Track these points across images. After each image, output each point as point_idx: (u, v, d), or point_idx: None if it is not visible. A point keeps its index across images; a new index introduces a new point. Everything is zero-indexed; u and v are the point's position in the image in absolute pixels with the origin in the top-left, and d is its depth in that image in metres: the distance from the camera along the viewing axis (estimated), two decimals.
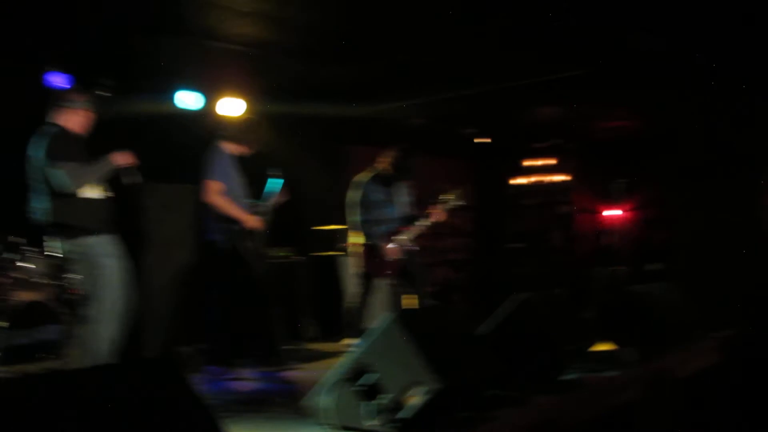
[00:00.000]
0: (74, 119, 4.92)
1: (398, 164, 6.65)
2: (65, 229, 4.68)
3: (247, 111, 7.80)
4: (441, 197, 6.82)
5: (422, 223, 6.69)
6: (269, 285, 6.16)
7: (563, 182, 12.65)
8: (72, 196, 4.65)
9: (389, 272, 6.59)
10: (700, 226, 6.96)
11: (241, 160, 6.14)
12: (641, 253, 10.50)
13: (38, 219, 4.76)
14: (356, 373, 3.57)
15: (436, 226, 6.92)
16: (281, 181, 6.20)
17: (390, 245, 6.53)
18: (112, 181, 5.13)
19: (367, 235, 6.57)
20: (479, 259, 12.86)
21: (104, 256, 4.72)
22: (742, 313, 6.47)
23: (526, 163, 12.61)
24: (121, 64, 6.76)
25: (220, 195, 5.82)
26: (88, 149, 5.06)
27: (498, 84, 8.53)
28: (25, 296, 5.10)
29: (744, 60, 6.94)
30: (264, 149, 6.32)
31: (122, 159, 4.79)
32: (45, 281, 5.22)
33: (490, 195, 13.12)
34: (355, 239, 6.70)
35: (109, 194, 4.96)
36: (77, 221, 4.66)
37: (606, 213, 11.62)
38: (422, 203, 7.14)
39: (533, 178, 12.73)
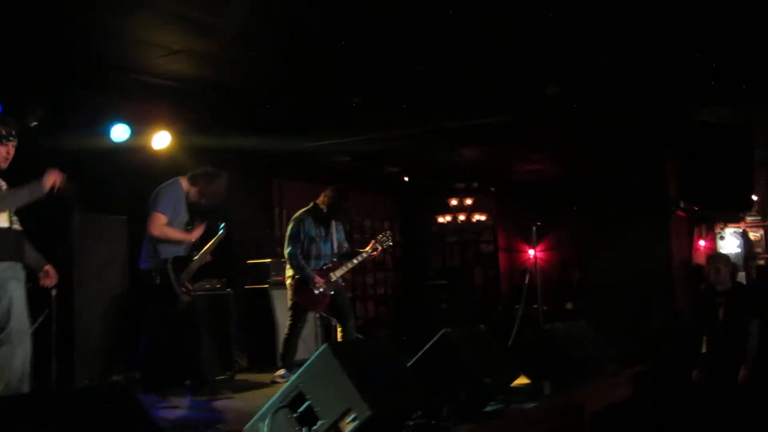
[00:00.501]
0: None
1: (334, 203, 6.80)
2: None
3: (175, 144, 7.79)
4: (378, 237, 7.11)
5: (355, 260, 6.91)
6: (201, 316, 6.17)
7: (485, 221, 13.03)
8: None
9: (319, 305, 6.69)
10: (612, 266, 7.24)
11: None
12: (559, 292, 10.89)
13: None
14: (292, 400, 3.62)
15: (363, 262, 7.18)
16: (223, 225, 6.21)
17: (320, 279, 6.64)
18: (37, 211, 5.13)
19: (299, 269, 6.66)
20: (403, 294, 13.09)
21: (10, 280, 4.67)
22: (652, 348, 6.79)
23: (450, 202, 12.92)
24: (52, 96, 6.72)
25: (164, 227, 5.78)
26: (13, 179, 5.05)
27: (424, 126, 8.78)
28: None
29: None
30: (218, 205, 6.25)
31: (53, 179, 4.70)
32: None
33: (414, 232, 13.39)
34: (290, 272, 6.80)
35: (16, 227, 4.93)
36: None
37: (527, 252, 11.98)
38: (351, 239, 7.38)
39: (457, 217, 13.05)
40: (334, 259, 6.86)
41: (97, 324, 7.10)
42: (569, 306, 10.21)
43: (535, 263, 8.17)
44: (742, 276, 8.84)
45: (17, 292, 4.70)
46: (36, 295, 5.17)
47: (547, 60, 6.70)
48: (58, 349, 6.28)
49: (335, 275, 6.76)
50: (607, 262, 7.32)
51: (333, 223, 6.93)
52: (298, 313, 6.79)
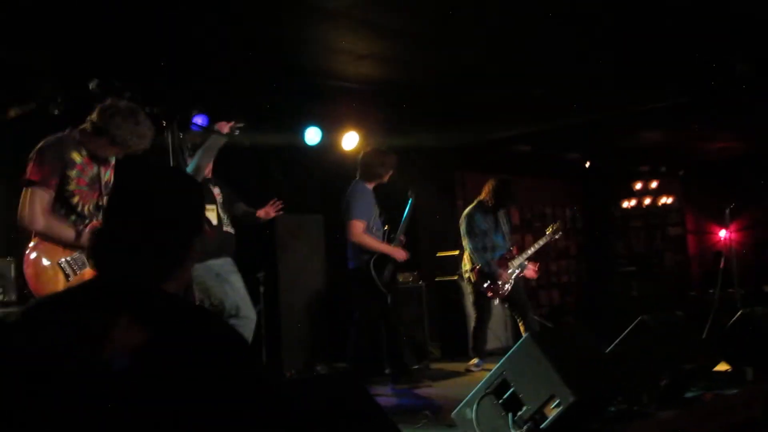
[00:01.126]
0: None
1: (498, 193, 6.95)
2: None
3: (363, 144, 8.06)
4: (547, 230, 7.30)
5: (528, 252, 7.07)
6: (399, 309, 6.52)
7: (671, 204, 12.65)
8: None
9: (501, 295, 6.87)
10: None
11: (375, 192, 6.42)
12: (756, 274, 10.42)
13: None
14: (497, 387, 3.80)
15: (543, 249, 7.31)
16: (411, 201, 6.58)
17: (501, 270, 6.83)
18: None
19: (486, 264, 6.82)
20: (588, 282, 12.96)
21: (232, 273, 5.16)
22: None
23: (634, 186, 12.66)
24: (251, 104, 7.11)
25: (365, 232, 6.10)
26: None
27: (604, 112, 8.75)
28: None
29: None
30: (395, 177, 6.56)
31: (225, 125, 4.88)
32: None
33: (598, 217, 13.20)
34: (467, 266, 7.01)
35: (228, 229, 5.43)
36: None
37: (717, 234, 11.55)
38: (528, 227, 7.55)
39: (642, 201, 12.76)
40: (510, 248, 7.02)
41: (300, 318, 7.50)
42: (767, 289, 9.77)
43: (729, 245, 7.85)
44: None
45: (241, 283, 5.24)
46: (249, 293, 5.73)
47: (736, 36, 6.51)
48: (267, 341, 6.78)
49: (513, 265, 6.92)
50: None
51: (500, 214, 7.09)
52: (482, 304, 6.97)
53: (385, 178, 6.43)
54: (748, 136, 10.19)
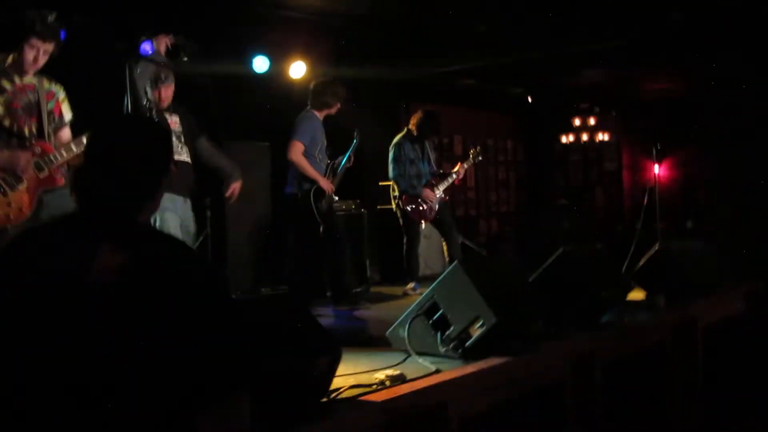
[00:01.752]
0: None
1: (424, 125, 7.26)
2: None
3: (311, 74, 8.25)
4: (470, 153, 7.70)
5: (451, 177, 7.44)
6: (342, 235, 6.76)
7: (608, 141, 13.02)
8: None
9: (428, 218, 7.23)
10: (736, 187, 7.29)
11: (324, 123, 6.62)
12: (681, 211, 10.91)
13: None
14: (427, 310, 4.03)
15: (482, 179, 7.69)
16: (355, 141, 6.81)
17: (431, 193, 7.17)
18: None
19: (409, 187, 7.18)
20: (526, 213, 13.34)
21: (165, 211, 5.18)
22: None
23: (574, 122, 12.96)
24: (198, 29, 7.10)
25: (302, 155, 6.36)
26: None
27: (547, 50, 8.96)
28: None
29: None
30: (344, 108, 6.78)
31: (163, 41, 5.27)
32: None
33: (538, 151, 13.51)
34: (395, 193, 7.32)
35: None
36: None
37: (651, 171, 11.96)
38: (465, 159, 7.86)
39: (581, 137, 13.09)
40: (433, 177, 7.34)
41: (246, 242, 7.72)
42: (689, 225, 10.20)
43: (655, 181, 8.23)
44: None
45: (174, 222, 5.34)
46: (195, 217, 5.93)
47: None
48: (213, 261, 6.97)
49: (438, 190, 7.26)
50: (732, 183, 7.35)
51: (426, 143, 7.41)
52: (411, 228, 7.29)
53: (334, 109, 6.64)
54: (683, 79, 10.51)
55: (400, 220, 7.40)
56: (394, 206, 7.45)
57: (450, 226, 7.34)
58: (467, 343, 3.95)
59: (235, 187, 5.83)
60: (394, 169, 7.27)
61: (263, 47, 7.95)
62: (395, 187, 7.35)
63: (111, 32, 5.86)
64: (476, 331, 3.94)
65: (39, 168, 4.32)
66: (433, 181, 7.29)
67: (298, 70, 8.12)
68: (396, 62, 8.97)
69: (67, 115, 4.65)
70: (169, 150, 2.16)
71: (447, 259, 7.34)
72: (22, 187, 4.24)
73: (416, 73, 9.63)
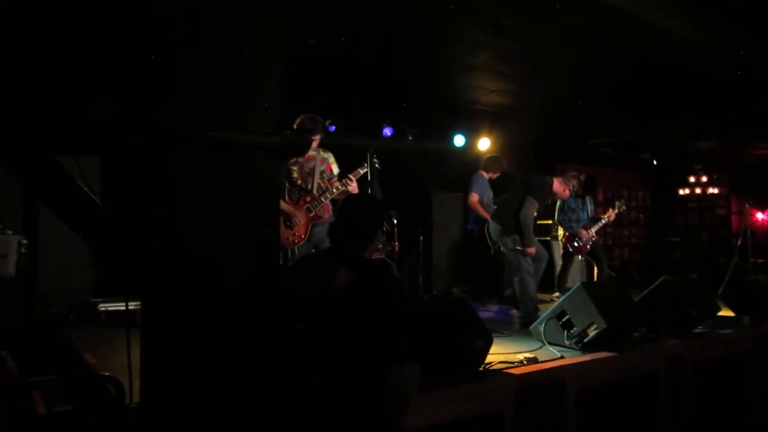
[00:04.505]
0: None
1: (587, 186, 7.04)
2: None
3: (492, 147, 8.35)
4: (616, 204, 7.31)
5: (602, 222, 7.13)
6: (504, 257, 6.85)
7: (719, 193, 11.99)
8: None
9: (582, 252, 6.98)
10: None
11: (490, 181, 6.77)
12: None
13: None
14: (558, 314, 4.07)
15: (617, 221, 7.36)
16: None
17: (585, 233, 6.94)
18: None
19: (569, 228, 7.00)
20: (650, 245, 12.53)
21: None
22: None
23: (689, 179, 12.09)
24: (424, 121, 7.66)
25: (477, 203, 6.53)
26: None
27: (669, 128, 8.57)
28: None
29: None
30: (503, 176, 6.86)
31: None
32: None
33: (662, 198, 12.72)
34: (560, 231, 7.18)
35: None
36: None
37: (755, 217, 10.89)
38: (610, 203, 7.55)
39: (694, 190, 12.18)
40: (589, 222, 7.09)
41: (444, 258, 7.90)
42: None
43: (745, 224, 7.46)
44: None
45: None
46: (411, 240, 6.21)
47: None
48: (424, 271, 7.20)
49: (591, 231, 7.01)
50: None
51: (587, 198, 7.15)
52: (568, 256, 7.11)
53: (495, 175, 6.74)
54: None
55: (560, 250, 7.24)
56: (559, 240, 7.28)
57: (600, 259, 7.02)
58: (585, 340, 3.94)
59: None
60: (559, 215, 7.11)
61: (462, 129, 8.22)
62: (560, 229, 7.20)
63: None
64: (592, 332, 3.92)
65: (309, 211, 4.82)
66: (587, 225, 7.04)
67: (484, 143, 8.32)
68: (553, 135, 8.86)
69: (335, 170, 5.07)
70: (381, 217, 2.48)
71: (595, 279, 7.09)
72: (300, 223, 4.78)
73: (566, 141, 9.40)
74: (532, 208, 5.30)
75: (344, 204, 2.48)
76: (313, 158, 4.93)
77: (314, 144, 4.87)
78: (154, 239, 2.04)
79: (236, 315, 1.98)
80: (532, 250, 5.27)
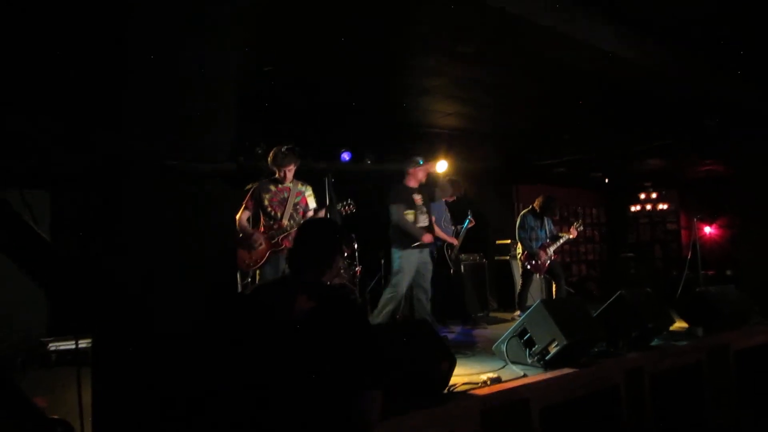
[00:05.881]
0: None
1: (544, 206, 7.14)
2: None
3: (449, 170, 8.49)
4: (574, 224, 7.38)
5: (561, 240, 7.19)
6: (465, 277, 6.89)
7: (668, 209, 12.35)
8: None
9: (540, 270, 7.01)
10: (763, 244, 6.78)
11: (447, 203, 6.78)
12: (722, 261, 10.11)
13: None
14: (520, 332, 4.06)
15: (573, 239, 7.43)
16: (468, 218, 6.85)
17: (542, 253, 7.00)
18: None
19: (526, 247, 7.04)
20: (606, 260, 12.80)
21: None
22: None
23: (639, 196, 12.43)
24: (379, 146, 7.62)
25: (434, 224, 6.43)
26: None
27: (619, 147, 8.75)
28: None
29: None
30: (460, 198, 6.90)
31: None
32: None
33: (614, 215, 13.02)
34: (519, 250, 7.21)
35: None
36: None
37: (703, 231, 11.23)
38: (565, 221, 7.65)
39: (645, 206, 12.52)
40: (548, 240, 7.14)
41: None
42: (729, 273, 9.43)
43: (694, 240, 7.67)
44: None
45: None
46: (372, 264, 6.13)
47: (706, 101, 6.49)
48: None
49: (549, 251, 7.06)
50: (761, 241, 6.86)
51: (545, 218, 7.22)
52: (527, 275, 7.14)
53: (450, 198, 6.73)
54: (725, 163, 9.88)
55: (519, 269, 7.28)
56: (517, 259, 7.30)
57: (559, 276, 7.05)
58: (547, 357, 3.94)
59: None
60: (520, 231, 7.15)
61: (419, 152, 8.22)
62: (519, 247, 7.23)
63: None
64: (553, 349, 3.93)
65: (271, 237, 4.80)
66: (546, 245, 7.10)
67: (441, 166, 8.35)
68: (509, 158, 8.98)
69: (312, 204, 5.08)
70: (339, 241, 2.44)
71: (554, 297, 7.13)
72: (259, 247, 4.75)
73: (524, 164, 9.56)
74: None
75: (300, 230, 2.44)
76: (288, 189, 4.94)
77: (289, 175, 4.92)
78: (104, 273, 1.97)
79: (190, 349, 1.91)
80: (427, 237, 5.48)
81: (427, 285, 5.54)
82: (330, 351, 2.00)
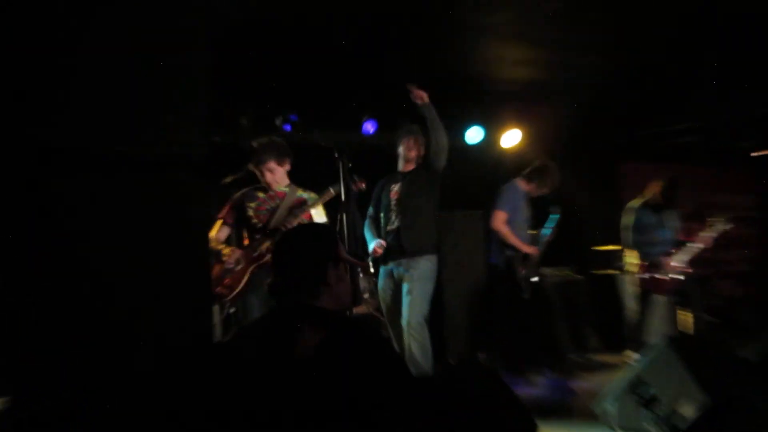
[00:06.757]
0: None
1: (666, 193, 7.04)
2: None
3: (524, 143, 8.40)
4: (709, 221, 7.17)
5: (693, 247, 7.01)
6: (552, 301, 6.82)
7: None
8: None
9: (666, 290, 6.91)
10: None
11: (530, 197, 6.75)
12: None
13: None
14: (636, 385, 4.00)
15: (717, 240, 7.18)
16: (558, 216, 6.79)
17: (667, 264, 6.90)
18: None
19: (643, 255, 6.94)
20: (765, 274, 12.49)
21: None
22: None
23: None
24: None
25: (504, 224, 6.53)
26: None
27: None
28: None
29: None
30: (553, 192, 6.85)
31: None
32: None
33: None
34: (631, 259, 7.07)
35: None
36: None
37: None
38: (696, 219, 7.51)
39: None
40: (673, 246, 7.00)
41: (461, 308, 7.76)
42: None
43: None
44: None
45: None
46: None
47: None
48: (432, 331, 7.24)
49: (677, 260, 6.93)
50: None
51: (667, 211, 7.09)
52: (645, 297, 7.00)
53: (540, 192, 6.78)
54: None
55: (632, 289, 7.19)
56: (629, 272, 7.25)
57: (693, 299, 6.94)
58: (678, 425, 3.87)
59: None
60: (634, 235, 7.08)
61: (476, 119, 8.24)
62: (629, 254, 7.15)
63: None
64: (688, 413, 3.85)
65: (254, 249, 4.86)
66: (672, 251, 7.00)
67: (511, 138, 8.34)
68: (608, 125, 8.92)
69: (319, 219, 5.12)
70: (331, 250, 2.45)
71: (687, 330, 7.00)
72: (239, 269, 4.84)
73: (631, 133, 9.43)
74: None
75: (277, 244, 2.50)
76: (283, 196, 5.04)
77: (272, 177, 5.04)
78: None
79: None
80: None
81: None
82: (353, 404, 2.04)
